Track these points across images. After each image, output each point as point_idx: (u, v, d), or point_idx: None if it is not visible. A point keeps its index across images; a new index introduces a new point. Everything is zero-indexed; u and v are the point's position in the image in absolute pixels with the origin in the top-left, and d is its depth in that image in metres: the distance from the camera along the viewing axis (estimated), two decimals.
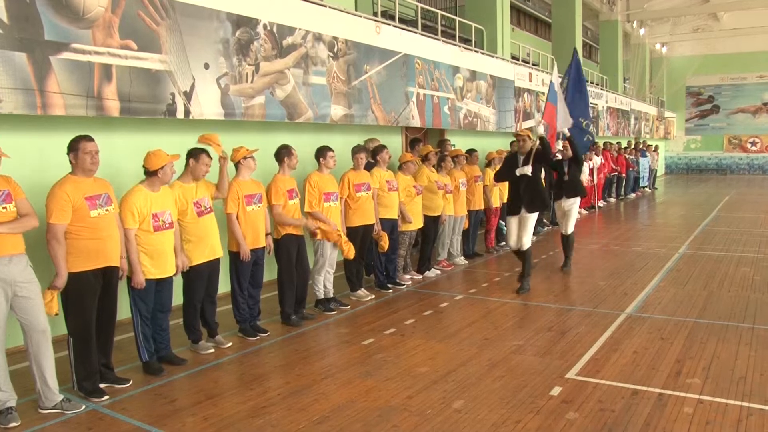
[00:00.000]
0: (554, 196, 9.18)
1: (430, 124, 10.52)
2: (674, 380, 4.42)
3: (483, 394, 4.26)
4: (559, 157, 8.65)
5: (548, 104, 8.20)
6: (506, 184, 9.92)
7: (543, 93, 15.49)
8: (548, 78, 16.17)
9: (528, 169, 6.98)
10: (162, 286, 4.82)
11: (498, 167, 10.01)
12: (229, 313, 5.84)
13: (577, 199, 8.54)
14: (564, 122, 8.46)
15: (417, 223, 7.62)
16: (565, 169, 8.45)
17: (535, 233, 11.19)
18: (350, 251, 6.47)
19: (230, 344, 5.42)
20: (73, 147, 4.20)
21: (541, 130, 7.16)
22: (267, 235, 5.71)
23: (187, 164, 5.14)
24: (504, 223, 9.99)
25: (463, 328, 5.79)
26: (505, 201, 9.86)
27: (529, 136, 7.16)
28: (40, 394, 4.05)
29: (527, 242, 7.24)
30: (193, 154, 5.11)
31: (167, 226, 4.74)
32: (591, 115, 8.68)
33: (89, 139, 4.25)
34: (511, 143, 12.73)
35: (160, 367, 4.77)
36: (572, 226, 8.45)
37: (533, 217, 7.21)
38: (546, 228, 12.04)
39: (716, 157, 32.60)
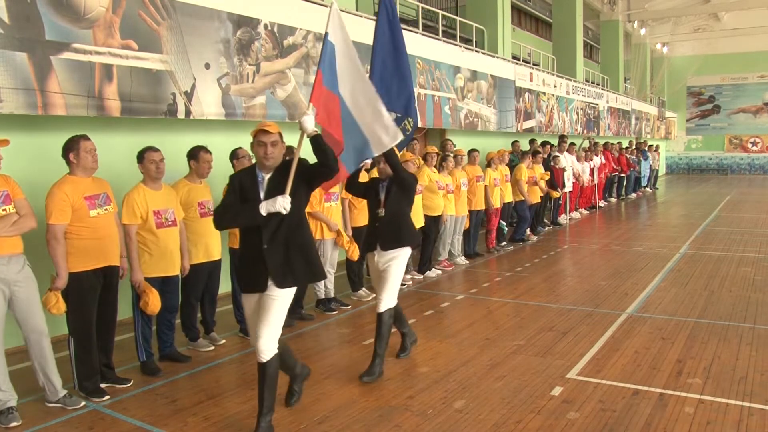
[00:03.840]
0: (364, 245, 5.13)
1: (431, 124, 10.52)
2: (675, 380, 4.41)
3: (484, 394, 4.25)
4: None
5: (319, 74, 4.02)
6: (507, 184, 10.02)
7: (544, 93, 15.51)
8: (550, 79, 16.34)
9: (283, 204, 3.50)
10: (167, 285, 4.82)
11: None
12: (230, 313, 5.84)
13: (402, 252, 4.73)
14: (369, 116, 4.22)
15: (418, 223, 7.60)
16: (381, 198, 4.79)
17: (535, 233, 11.27)
18: (354, 252, 6.47)
19: (224, 341, 5.43)
20: (73, 147, 4.21)
21: (309, 124, 3.68)
22: None
23: (189, 165, 5.16)
24: (505, 224, 10.00)
25: (463, 328, 5.79)
26: (506, 200, 9.87)
27: (280, 135, 3.70)
28: (44, 389, 4.10)
29: (267, 348, 3.61)
30: (192, 154, 5.12)
31: (170, 223, 4.75)
32: (415, 106, 5.13)
33: (87, 138, 4.27)
34: (513, 143, 12.80)
35: (157, 368, 4.76)
36: (390, 298, 4.66)
37: (286, 296, 3.67)
38: (547, 228, 12.03)
39: (717, 157, 32.57)
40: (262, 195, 3.59)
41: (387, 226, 4.73)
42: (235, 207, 3.60)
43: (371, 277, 4.99)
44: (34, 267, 4.04)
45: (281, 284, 3.60)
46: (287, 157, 3.76)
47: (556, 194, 11.41)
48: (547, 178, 11.08)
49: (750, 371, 4.56)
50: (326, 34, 4.06)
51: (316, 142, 3.61)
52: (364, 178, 5.30)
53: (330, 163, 3.62)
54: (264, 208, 3.50)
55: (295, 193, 3.57)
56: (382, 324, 4.63)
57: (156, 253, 4.69)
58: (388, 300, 4.66)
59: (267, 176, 3.64)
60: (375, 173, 5.06)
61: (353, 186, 4.92)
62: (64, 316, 4.28)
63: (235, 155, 5.51)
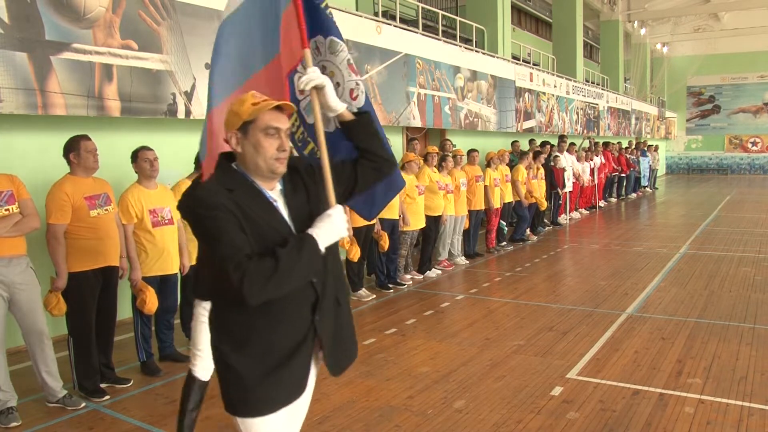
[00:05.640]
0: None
1: (431, 124, 10.52)
2: (675, 380, 4.41)
3: (484, 393, 4.25)
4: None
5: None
6: (507, 184, 10.01)
7: (544, 93, 15.52)
8: (550, 79, 16.33)
9: (344, 222, 2.07)
10: (165, 284, 4.82)
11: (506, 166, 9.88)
12: None
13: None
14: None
15: (419, 223, 7.61)
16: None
17: (535, 233, 11.26)
18: (356, 254, 6.48)
19: None
20: (74, 147, 4.21)
21: (331, 91, 2.24)
22: None
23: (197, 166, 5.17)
24: (505, 224, 10.00)
25: (464, 328, 5.79)
26: (506, 200, 9.85)
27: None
28: (44, 389, 4.10)
29: None
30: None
31: (167, 222, 4.74)
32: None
33: (88, 138, 4.27)
34: (513, 143, 12.80)
35: (157, 368, 4.77)
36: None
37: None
38: (547, 228, 12.03)
39: (717, 157, 32.57)
40: (291, 224, 2.03)
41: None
42: (285, 257, 1.88)
43: (197, 335, 3.42)
44: (35, 268, 4.04)
45: (339, 369, 2.31)
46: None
47: (544, 206, 11.34)
48: (536, 196, 10.93)
49: (750, 371, 4.56)
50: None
51: (366, 120, 2.28)
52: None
53: (388, 155, 2.30)
54: (322, 242, 2.00)
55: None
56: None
57: (153, 252, 4.68)
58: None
59: (274, 191, 2.05)
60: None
61: None
62: (63, 316, 4.29)
63: None
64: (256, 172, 2.02)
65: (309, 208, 2.08)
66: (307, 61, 2.28)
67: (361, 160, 2.26)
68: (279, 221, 2.01)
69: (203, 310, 3.28)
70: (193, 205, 1.92)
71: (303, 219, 2.04)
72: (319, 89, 2.19)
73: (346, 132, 2.27)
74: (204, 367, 3.42)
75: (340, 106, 2.23)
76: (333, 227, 2.01)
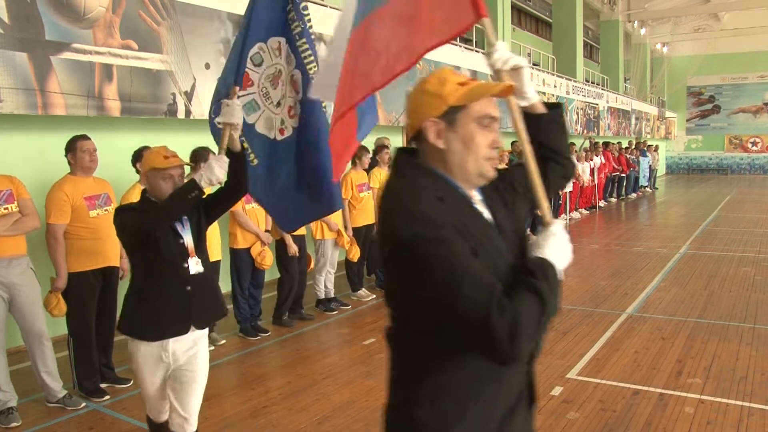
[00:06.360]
0: (160, 327, 2.83)
1: None
2: (675, 380, 4.42)
3: None
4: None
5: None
6: None
7: (544, 93, 15.52)
8: (550, 78, 16.33)
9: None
10: None
11: None
12: (229, 312, 5.84)
13: (201, 335, 3.01)
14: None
15: None
16: (186, 240, 2.85)
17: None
18: (356, 253, 6.49)
19: (224, 341, 5.43)
20: (71, 147, 4.22)
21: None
22: (265, 231, 5.71)
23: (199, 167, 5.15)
24: None
25: None
26: None
27: None
28: (44, 389, 4.11)
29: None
30: (201, 156, 5.10)
31: None
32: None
33: (85, 137, 4.27)
34: (513, 143, 12.79)
35: None
36: (198, 406, 3.07)
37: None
38: None
39: (717, 157, 32.55)
40: (500, 238, 1.55)
41: (204, 290, 2.90)
42: (547, 293, 1.38)
43: (149, 382, 2.95)
44: (36, 269, 4.04)
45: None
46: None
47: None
48: None
49: (750, 371, 4.56)
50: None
51: (560, 115, 1.85)
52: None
53: (572, 158, 1.95)
54: (560, 269, 1.49)
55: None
56: None
57: None
58: (197, 411, 3.06)
59: (476, 202, 1.57)
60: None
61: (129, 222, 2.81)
62: (63, 316, 4.29)
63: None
64: (460, 175, 1.51)
65: (511, 223, 1.59)
66: (490, 35, 1.75)
67: (548, 162, 1.78)
68: (500, 241, 1.51)
69: (140, 347, 2.83)
70: (411, 225, 1.35)
71: (510, 237, 1.55)
72: (515, 71, 1.68)
73: (533, 126, 1.75)
74: (161, 411, 3.05)
75: (535, 96, 1.75)
76: (563, 249, 1.49)
